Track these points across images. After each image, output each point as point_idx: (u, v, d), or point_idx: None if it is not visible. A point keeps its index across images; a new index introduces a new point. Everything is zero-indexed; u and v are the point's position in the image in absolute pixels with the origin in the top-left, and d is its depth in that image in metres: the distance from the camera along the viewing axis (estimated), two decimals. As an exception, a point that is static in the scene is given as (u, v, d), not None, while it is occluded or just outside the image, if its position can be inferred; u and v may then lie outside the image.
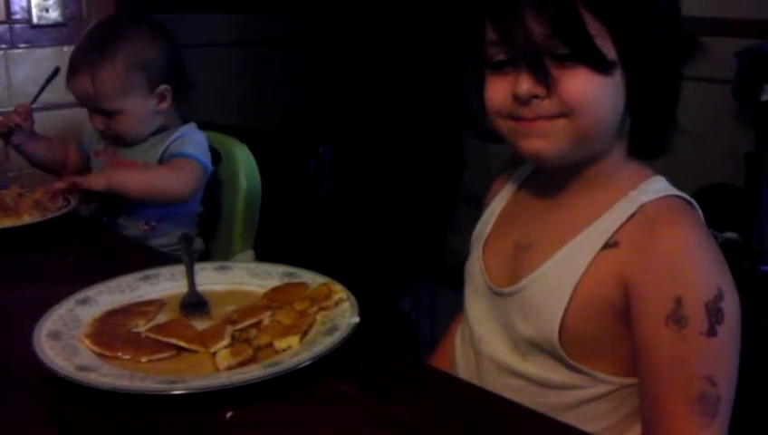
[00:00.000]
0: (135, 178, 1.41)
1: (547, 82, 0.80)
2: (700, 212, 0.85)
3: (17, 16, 1.96)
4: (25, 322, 0.84)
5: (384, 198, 2.77)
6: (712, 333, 0.77)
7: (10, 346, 0.85)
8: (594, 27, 0.79)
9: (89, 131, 1.58)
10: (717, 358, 0.78)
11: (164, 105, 1.47)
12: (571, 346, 0.84)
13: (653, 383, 0.79)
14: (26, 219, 1.31)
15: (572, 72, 0.80)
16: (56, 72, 1.60)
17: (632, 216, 0.83)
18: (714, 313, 0.77)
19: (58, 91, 1.72)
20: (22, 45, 1.95)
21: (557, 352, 0.84)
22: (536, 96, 0.82)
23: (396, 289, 2.65)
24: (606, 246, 0.83)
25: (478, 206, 1.07)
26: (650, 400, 0.80)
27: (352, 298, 0.88)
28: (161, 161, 1.47)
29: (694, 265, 0.80)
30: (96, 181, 1.35)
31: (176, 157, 1.44)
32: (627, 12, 0.81)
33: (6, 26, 1.95)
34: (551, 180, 0.91)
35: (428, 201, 2.93)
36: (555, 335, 0.83)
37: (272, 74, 2.65)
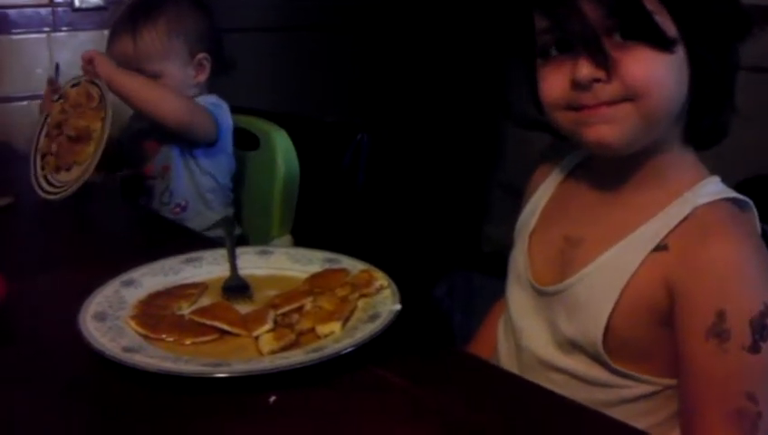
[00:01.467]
0: (139, 84, 1.40)
1: (607, 65, 0.77)
2: (756, 214, 0.82)
3: (59, 0, 1.98)
4: (68, 303, 0.85)
5: (421, 185, 2.76)
6: (755, 349, 0.74)
7: (54, 327, 0.86)
8: (651, 3, 0.77)
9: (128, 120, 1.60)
10: (759, 375, 0.75)
11: (202, 76, 1.50)
12: (614, 349, 0.82)
13: (690, 394, 0.78)
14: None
15: (634, 53, 0.77)
16: (57, 67, 1.62)
17: (685, 219, 0.80)
18: (758, 329, 0.74)
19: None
20: (64, 29, 1.97)
21: (600, 355, 0.83)
22: (597, 80, 0.79)
23: (431, 277, 2.64)
24: (657, 248, 0.80)
25: (515, 194, 1.06)
26: (687, 410, 0.78)
27: (393, 285, 0.88)
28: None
29: (741, 279, 0.77)
30: (102, 66, 1.36)
31: None
32: None
33: (49, 9, 1.97)
34: (603, 173, 0.89)
35: (465, 189, 2.92)
36: (599, 338, 0.82)
37: (311, 60, 2.65)
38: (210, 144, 1.48)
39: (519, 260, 0.95)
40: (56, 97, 1.46)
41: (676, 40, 0.78)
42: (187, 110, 1.43)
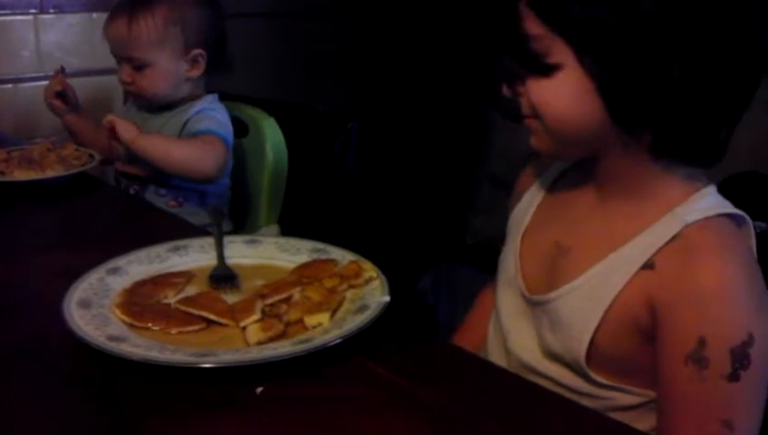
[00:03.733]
0: (160, 146, 1.39)
1: (510, 84, 0.83)
2: (752, 231, 0.81)
3: (47, -19, 1.97)
4: (54, 289, 0.84)
5: (408, 175, 2.76)
6: (734, 377, 0.73)
7: (41, 313, 0.85)
8: (537, 28, 0.78)
9: (120, 109, 1.59)
10: (737, 402, 0.74)
11: (195, 72, 1.47)
12: (598, 364, 0.81)
13: (667, 415, 0.77)
14: (48, 173, 1.32)
15: (535, 78, 0.80)
16: (63, 70, 1.61)
17: (673, 238, 0.78)
18: (739, 357, 0.73)
19: (86, 58, 1.72)
20: (51, 10, 1.95)
21: (582, 371, 0.82)
22: (518, 95, 0.83)
23: (415, 268, 2.64)
24: (644, 266, 0.78)
25: (502, 186, 1.05)
26: (663, 429, 0.78)
27: (382, 277, 0.88)
28: (180, 137, 1.46)
29: (725, 306, 0.75)
30: (125, 131, 1.35)
31: (200, 133, 1.43)
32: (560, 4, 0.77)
33: (36, -9, 1.95)
34: (594, 177, 0.87)
35: (451, 181, 2.91)
36: (582, 355, 0.81)
37: (301, 48, 2.64)
38: None
39: (510, 262, 0.94)
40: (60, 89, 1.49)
41: (560, 65, 0.77)
42: (214, 158, 1.41)
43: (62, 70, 1.58)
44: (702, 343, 0.73)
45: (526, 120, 0.85)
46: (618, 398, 0.83)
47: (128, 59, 1.44)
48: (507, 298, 0.94)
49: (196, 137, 1.43)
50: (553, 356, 0.86)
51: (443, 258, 2.70)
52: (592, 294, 0.81)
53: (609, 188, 0.85)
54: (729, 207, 0.80)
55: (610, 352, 0.81)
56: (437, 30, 2.72)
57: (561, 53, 0.77)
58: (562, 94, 0.79)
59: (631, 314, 0.79)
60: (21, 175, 1.32)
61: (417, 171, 2.79)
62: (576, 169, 0.93)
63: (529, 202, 0.96)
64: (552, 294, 0.85)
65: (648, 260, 0.78)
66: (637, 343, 0.80)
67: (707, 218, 0.78)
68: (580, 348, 0.81)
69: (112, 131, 1.35)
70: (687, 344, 0.74)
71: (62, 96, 1.56)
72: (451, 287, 2.64)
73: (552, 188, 0.95)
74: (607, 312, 0.80)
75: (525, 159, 1.03)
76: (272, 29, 2.54)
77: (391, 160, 2.69)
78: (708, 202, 0.80)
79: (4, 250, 1.02)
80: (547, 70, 0.78)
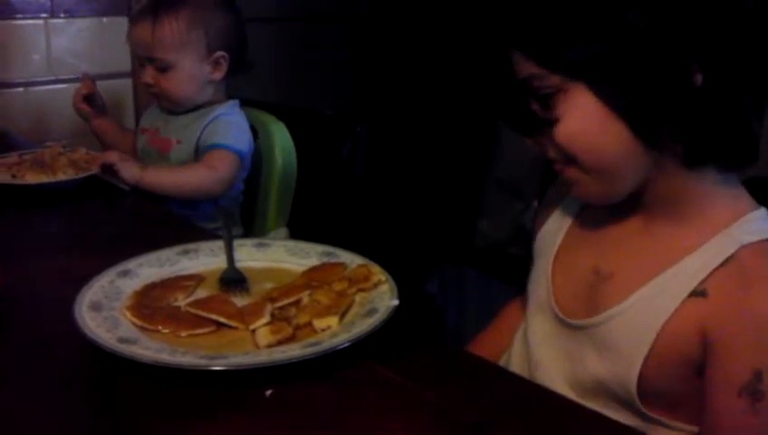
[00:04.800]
0: (167, 180, 1.41)
1: (529, 132, 0.79)
2: None
3: (57, -15, 1.98)
4: (65, 292, 0.85)
5: (415, 179, 2.76)
6: None
7: (51, 316, 0.85)
8: (534, 68, 0.76)
9: (129, 113, 1.61)
10: None
11: (217, 75, 1.49)
12: (646, 394, 0.78)
13: None
14: (60, 177, 1.33)
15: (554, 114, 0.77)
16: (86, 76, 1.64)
17: (726, 261, 0.74)
18: None
19: (96, 62, 1.73)
20: (62, 15, 1.96)
21: (630, 399, 0.78)
22: (543, 146, 0.79)
23: (423, 271, 2.64)
24: (694, 293, 0.75)
25: (510, 190, 1.04)
26: None
27: (391, 281, 0.88)
28: (198, 145, 1.47)
29: None
30: (128, 173, 1.36)
31: (211, 149, 1.44)
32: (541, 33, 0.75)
33: (47, -5, 1.97)
34: (634, 201, 0.83)
35: (459, 184, 2.91)
36: (633, 381, 0.77)
37: (310, 52, 2.65)
38: None
39: (541, 284, 0.90)
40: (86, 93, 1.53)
41: (572, 99, 0.75)
42: (222, 178, 1.43)
43: (88, 76, 1.61)
44: (758, 375, 0.71)
45: (564, 172, 0.80)
46: (657, 429, 0.79)
47: (151, 60, 1.46)
48: (539, 324, 0.90)
49: (205, 154, 1.44)
50: (590, 386, 0.82)
51: (450, 261, 2.70)
52: (640, 319, 0.78)
53: (651, 210, 0.82)
54: None
55: (659, 381, 0.78)
56: (445, 35, 2.72)
57: (569, 86, 0.75)
58: (585, 125, 0.76)
59: (682, 344, 0.76)
60: (32, 178, 1.33)
61: (424, 174, 2.79)
62: None
63: (559, 224, 0.92)
64: (597, 319, 0.82)
65: (699, 287, 0.75)
66: (685, 374, 0.77)
67: (763, 241, 0.75)
68: (631, 375, 0.78)
69: (114, 174, 1.36)
70: (743, 375, 0.72)
71: (90, 100, 1.59)
72: (458, 290, 2.64)
73: (584, 210, 0.90)
74: (656, 339, 0.76)
75: (533, 163, 1.02)
76: (280, 34, 2.55)
77: (399, 164, 2.69)
78: (761, 225, 0.77)
79: (14, 252, 1.03)
80: (555, 107, 0.75)
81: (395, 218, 2.57)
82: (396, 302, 0.83)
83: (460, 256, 2.74)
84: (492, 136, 2.93)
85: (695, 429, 0.79)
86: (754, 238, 0.75)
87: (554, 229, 0.92)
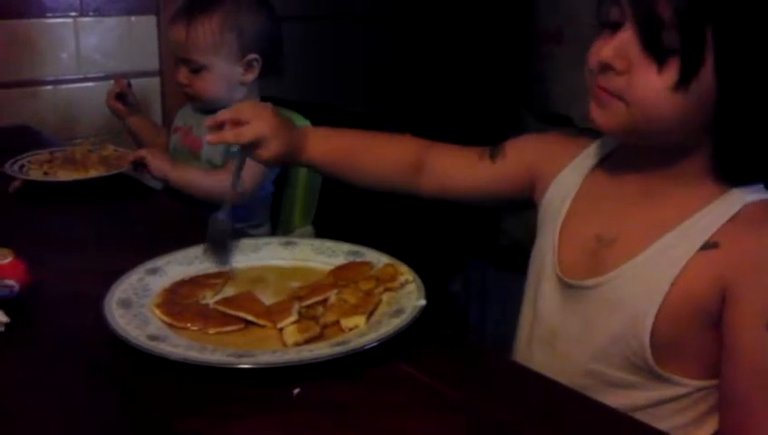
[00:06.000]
0: (195, 181, 1.42)
1: (628, 59, 0.77)
2: None
3: (86, -16, 2.00)
4: (94, 289, 0.86)
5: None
6: None
7: (79, 313, 0.86)
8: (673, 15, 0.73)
9: (157, 111, 1.62)
10: None
11: (249, 76, 1.50)
12: (658, 349, 0.80)
13: (740, 386, 0.76)
14: (92, 173, 1.35)
15: (650, 66, 0.76)
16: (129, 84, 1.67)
17: (735, 215, 0.78)
18: None
19: (124, 60, 1.74)
20: (91, 14, 1.98)
21: (643, 354, 0.80)
22: (611, 68, 0.78)
23: (447, 269, 2.64)
24: (705, 246, 0.78)
25: (533, 201, 1.04)
26: (735, 402, 0.77)
27: (418, 280, 0.88)
28: (227, 146, 1.48)
29: None
30: (157, 169, 1.38)
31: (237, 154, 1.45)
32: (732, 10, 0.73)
33: (76, -6, 1.99)
34: (634, 170, 0.86)
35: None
36: (647, 334, 0.79)
37: (336, 50, 2.65)
38: None
39: (546, 251, 0.92)
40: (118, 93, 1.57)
41: (698, 69, 0.74)
42: (246, 186, 1.42)
43: (126, 80, 1.64)
44: None
45: (607, 97, 0.80)
46: (663, 389, 0.81)
47: (185, 61, 1.47)
48: (547, 294, 0.91)
49: (232, 158, 1.45)
50: (606, 346, 0.83)
51: (474, 258, 2.69)
52: (651, 274, 0.80)
53: (656, 179, 0.84)
54: None
55: (672, 335, 0.79)
56: (471, 32, 2.72)
57: (704, 54, 0.74)
58: (681, 106, 0.76)
59: (697, 296, 0.78)
60: (64, 175, 1.35)
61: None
62: (613, 158, 0.92)
63: (566, 190, 0.93)
64: (606, 277, 0.84)
65: (710, 239, 0.78)
66: (699, 326, 0.79)
67: (766, 200, 0.79)
68: (644, 329, 0.79)
69: (145, 168, 1.38)
70: (766, 311, 0.74)
71: (123, 99, 1.62)
72: (482, 288, 2.63)
73: (588, 179, 0.92)
74: (669, 292, 0.79)
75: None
76: (306, 33, 2.56)
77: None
78: (761, 188, 0.81)
79: (44, 250, 1.04)
80: (687, 78, 0.74)
81: (420, 217, 2.57)
82: (423, 302, 0.83)
83: (484, 253, 2.73)
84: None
85: (698, 383, 0.81)
86: (758, 197, 0.79)
87: (561, 196, 0.93)
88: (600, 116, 0.81)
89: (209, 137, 1.01)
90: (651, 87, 0.76)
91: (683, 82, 0.75)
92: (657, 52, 0.75)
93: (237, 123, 0.98)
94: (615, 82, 0.78)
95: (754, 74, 0.75)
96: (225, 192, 1.38)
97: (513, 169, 1.01)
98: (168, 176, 1.38)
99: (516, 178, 1.01)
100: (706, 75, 0.74)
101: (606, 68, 0.79)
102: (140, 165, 1.38)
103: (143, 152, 1.39)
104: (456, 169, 1.05)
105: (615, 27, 0.79)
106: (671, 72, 0.75)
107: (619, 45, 0.77)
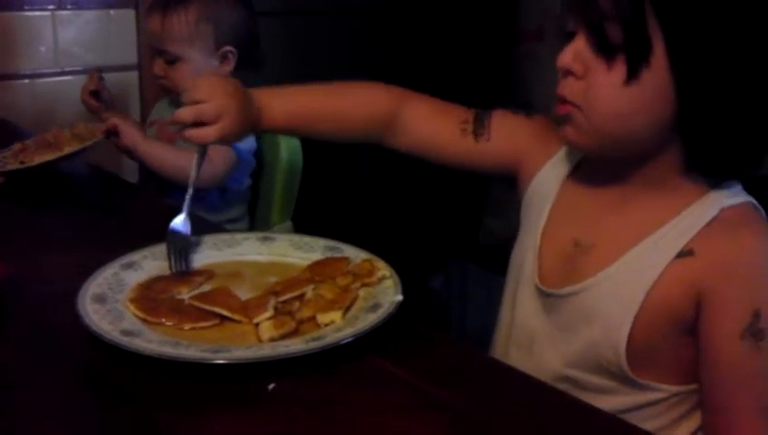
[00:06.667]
0: (165, 156, 1.41)
1: (585, 63, 0.77)
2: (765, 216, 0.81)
3: (64, -23, 1.98)
4: (69, 284, 0.85)
5: (421, 174, 2.75)
6: None
7: (54, 308, 0.85)
8: (623, 9, 0.74)
9: (135, 106, 1.61)
10: None
11: (225, 69, 1.50)
12: (633, 357, 0.80)
13: (721, 394, 0.77)
14: (66, 150, 1.33)
15: (602, 65, 0.76)
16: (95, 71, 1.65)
17: (711, 220, 0.78)
18: None
19: (102, 54, 1.72)
20: (69, 7, 1.96)
21: (618, 362, 0.80)
22: (571, 73, 0.78)
23: (427, 266, 2.64)
24: (681, 254, 0.78)
25: (515, 187, 1.03)
26: (717, 410, 0.78)
27: (395, 276, 0.88)
28: None
29: None
30: (128, 136, 1.37)
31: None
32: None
33: (54, -13, 1.96)
34: (611, 175, 0.85)
35: (465, 180, 2.91)
36: (623, 345, 0.79)
37: (317, 46, 2.64)
38: None
39: (526, 258, 0.91)
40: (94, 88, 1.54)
41: (648, 60, 0.74)
42: (214, 172, 1.41)
43: (99, 73, 1.62)
44: (757, 315, 0.74)
45: (564, 108, 0.80)
46: (640, 395, 0.82)
47: (160, 52, 1.46)
48: (526, 299, 0.91)
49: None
50: (582, 353, 0.83)
51: (455, 256, 2.70)
52: (626, 283, 0.80)
53: (632, 182, 0.84)
54: (750, 197, 0.82)
55: (648, 343, 0.80)
56: (451, 30, 2.72)
57: (650, 43, 0.74)
58: (637, 98, 0.76)
59: (671, 304, 0.78)
60: (41, 159, 1.32)
61: (431, 170, 2.79)
62: (589, 163, 0.91)
63: (547, 188, 0.92)
64: (582, 285, 0.83)
65: (685, 247, 0.78)
66: (674, 333, 0.79)
67: (744, 203, 0.80)
68: (620, 338, 0.79)
69: (115, 135, 1.36)
70: (742, 320, 0.75)
71: (96, 95, 1.60)
72: (463, 286, 2.64)
73: (566, 184, 0.92)
74: (644, 301, 0.79)
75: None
76: (287, 28, 2.55)
77: (405, 159, 2.69)
78: (739, 191, 0.81)
79: (19, 244, 1.03)
80: (635, 70, 0.74)
81: (400, 214, 2.57)
82: (400, 297, 0.83)
83: (465, 251, 2.73)
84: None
85: (674, 389, 0.81)
86: (735, 201, 0.79)
87: (542, 196, 0.92)
88: (567, 132, 0.82)
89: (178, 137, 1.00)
90: (605, 85, 0.77)
91: (632, 75, 0.75)
92: (604, 48, 0.76)
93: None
94: (575, 86, 0.79)
95: (708, 62, 0.74)
96: (187, 175, 1.36)
97: (498, 151, 0.97)
98: (138, 147, 1.37)
99: (500, 160, 0.98)
100: (659, 67, 0.75)
101: (566, 73, 0.80)
102: (113, 134, 1.36)
103: (115, 120, 1.37)
104: (434, 140, 1.00)
105: (573, 36, 0.80)
106: (620, 67, 0.75)
107: (576, 49, 0.78)
